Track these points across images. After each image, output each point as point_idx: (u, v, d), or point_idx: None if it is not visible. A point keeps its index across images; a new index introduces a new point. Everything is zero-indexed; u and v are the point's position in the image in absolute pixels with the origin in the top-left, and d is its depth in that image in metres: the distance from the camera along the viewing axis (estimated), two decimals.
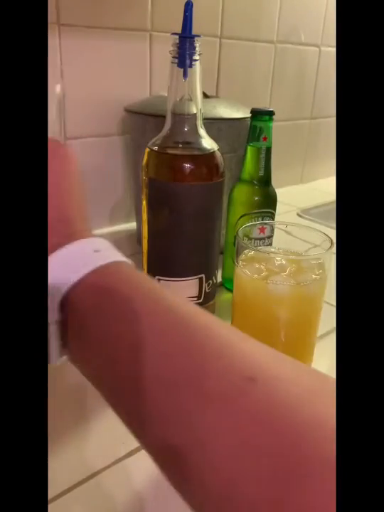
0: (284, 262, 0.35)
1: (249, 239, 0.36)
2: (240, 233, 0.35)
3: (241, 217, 0.51)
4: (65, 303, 0.21)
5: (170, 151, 0.44)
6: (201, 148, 0.44)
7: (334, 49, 0.98)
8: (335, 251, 0.30)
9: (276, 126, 0.52)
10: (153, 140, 0.45)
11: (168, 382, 0.17)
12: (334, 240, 0.33)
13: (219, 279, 0.53)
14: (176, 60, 0.41)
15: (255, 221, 0.50)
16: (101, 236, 0.24)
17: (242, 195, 0.54)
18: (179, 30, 0.40)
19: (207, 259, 0.47)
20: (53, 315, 0.21)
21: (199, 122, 0.43)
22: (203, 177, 0.44)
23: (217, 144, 0.45)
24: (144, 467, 0.32)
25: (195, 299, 0.47)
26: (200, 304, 0.48)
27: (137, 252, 0.66)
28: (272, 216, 0.54)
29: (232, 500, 0.16)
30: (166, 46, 0.41)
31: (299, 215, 0.85)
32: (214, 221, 0.46)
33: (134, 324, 0.19)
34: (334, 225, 0.68)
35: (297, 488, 0.15)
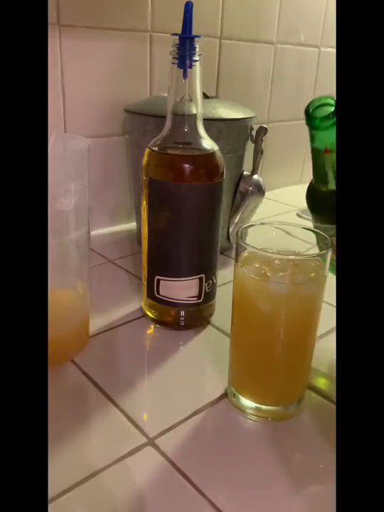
0: (284, 262, 0.35)
1: None
2: (240, 233, 0.35)
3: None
4: None
5: (170, 152, 0.44)
6: (201, 149, 0.44)
7: (334, 49, 0.98)
8: (334, 251, 0.30)
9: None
10: (154, 140, 0.45)
11: None
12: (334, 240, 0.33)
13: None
14: (176, 61, 0.41)
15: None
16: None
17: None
18: (179, 30, 0.40)
19: (207, 259, 0.47)
20: None
21: (199, 123, 0.43)
22: (203, 177, 0.44)
23: (217, 144, 0.45)
24: (144, 466, 0.32)
25: (195, 298, 0.47)
26: (200, 304, 0.48)
27: (137, 252, 0.66)
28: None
29: None
30: (166, 47, 0.41)
31: (298, 215, 0.85)
32: (214, 221, 0.46)
33: None
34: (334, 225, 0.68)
35: None
